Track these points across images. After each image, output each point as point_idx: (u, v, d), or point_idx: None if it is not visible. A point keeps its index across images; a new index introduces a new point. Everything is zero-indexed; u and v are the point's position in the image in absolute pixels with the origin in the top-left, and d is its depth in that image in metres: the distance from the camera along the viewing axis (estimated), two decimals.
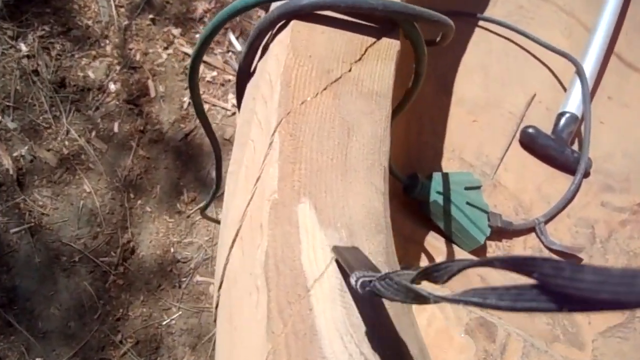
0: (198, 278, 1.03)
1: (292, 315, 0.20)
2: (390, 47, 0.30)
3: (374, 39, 0.30)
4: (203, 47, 0.32)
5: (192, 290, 1.02)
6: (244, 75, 0.32)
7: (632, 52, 0.75)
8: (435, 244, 0.50)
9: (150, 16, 1.23)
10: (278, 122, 0.25)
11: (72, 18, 1.17)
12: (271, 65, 0.28)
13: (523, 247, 0.59)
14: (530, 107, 0.69)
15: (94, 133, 1.07)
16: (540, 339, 0.46)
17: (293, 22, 0.29)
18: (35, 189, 1.00)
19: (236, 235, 0.25)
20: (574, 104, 0.67)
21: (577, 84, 0.69)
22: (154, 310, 0.98)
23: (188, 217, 1.04)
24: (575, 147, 0.68)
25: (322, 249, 0.22)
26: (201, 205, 1.01)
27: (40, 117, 1.05)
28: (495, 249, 0.58)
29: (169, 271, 1.01)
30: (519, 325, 0.46)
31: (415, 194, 0.52)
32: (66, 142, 1.04)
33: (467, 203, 0.53)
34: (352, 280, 0.20)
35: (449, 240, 0.53)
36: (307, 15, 0.29)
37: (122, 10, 1.23)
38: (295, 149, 0.25)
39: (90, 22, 1.18)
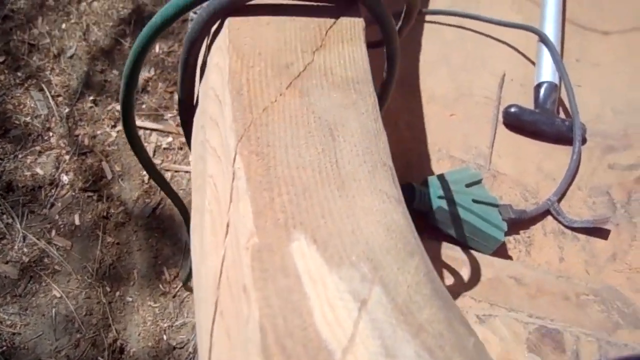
0: None
1: None
2: (353, 25, 0.24)
3: (332, 20, 0.25)
4: (130, 86, 0.26)
5: None
6: (187, 106, 0.26)
7: (585, 14, 0.73)
8: (452, 254, 0.44)
9: (91, 98, 1.17)
10: (237, 141, 0.19)
11: (8, 119, 1.10)
12: (214, 79, 0.22)
13: (543, 233, 0.53)
14: (504, 87, 0.64)
15: (54, 232, 0.98)
16: (602, 331, 0.40)
17: (228, 21, 0.23)
18: (0, 309, 0.89)
19: (215, 312, 0.18)
20: (547, 72, 0.63)
21: (545, 52, 0.65)
22: None
23: (174, 296, 0.95)
24: (562, 115, 0.63)
25: (341, 299, 0.15)
26: (182, 278, 0.93)
27: None
28: (515, 244, 0.52)
29: None
30: (576, 322, 0.39)
31: (415, 206, 0.46)
32: (25, 249, 0.95)
33: (474, 201, 0.47)
34: None
35: (466, 246, 0.47)
36: (243, 8, 0.24)
37: (60, 98, 1.17)
38: (267, 169, 0.18)
39: (28, 119, 1.11)
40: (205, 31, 0.24)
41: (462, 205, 0.46)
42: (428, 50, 0.66)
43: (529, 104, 0.62)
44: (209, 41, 0.24)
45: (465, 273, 0.40)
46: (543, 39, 0.66)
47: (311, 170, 0.19)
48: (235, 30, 0.23)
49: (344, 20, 0.25)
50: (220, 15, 0.23)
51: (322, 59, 0.23)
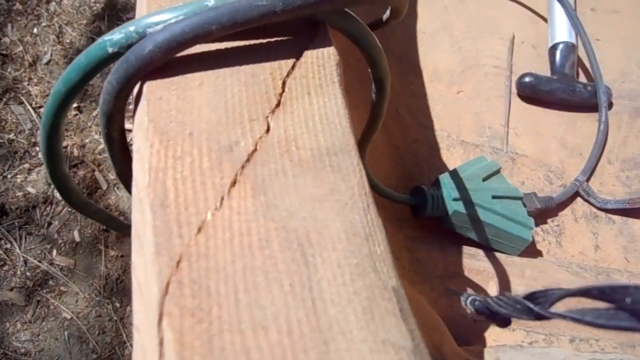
0: None
1: None
2: (322, 63, 0.18)
3: (291, 61, 0.18)
4: (55, 167, 0.21)
5: None
6: (128, 183, 0.20)
7: None
8: (477, 266, 0.39)
9: (75, 105, 1.11)
10: (163, 293, 0.13)
11: None
12: (137, 173, 0.16)
13: (574, 219, 0.48)
14: (515, 51, 0.57)
15: (54, 252, 0.94)
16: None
17: (147, 87, 0.17)
18: (12, 338, 0.87)
19: None
20: (562, 30, 0.56)
21: (557, 6, 0.57)
22: None
23: None
24: (582, 79, 0.56)
25: None
26: None
27: None
28: (544, 235, 0.46)
29: None
30: (624, 337, 0.34)
31: (428, 213, 0.40)
32: (27, 273, 0.92)
33: (494, 197, 0.41)
34: (462, 300, 0.24)
35: (490, 249, 0.41)
36: (166, 66, 0.17)
37: (42, 110, 1.11)
38: (210, 339, 0.12)
39: (12, 136, 1.06)
40: (121, 101, 0.18)
41: (481, 206, 0.40)
42: (426, 19, 0.59)
43: (545, 69, 0.55)
44: (133, 108, 0.18)
45: (493, 291, 0.35)
46: None
47: (276, 331, 0.12)
48: (155, 100, 0.17)
49: (309, 57, 0.18)
50: (135, 79, 0.17)
51: (281, 126, 0.16)
